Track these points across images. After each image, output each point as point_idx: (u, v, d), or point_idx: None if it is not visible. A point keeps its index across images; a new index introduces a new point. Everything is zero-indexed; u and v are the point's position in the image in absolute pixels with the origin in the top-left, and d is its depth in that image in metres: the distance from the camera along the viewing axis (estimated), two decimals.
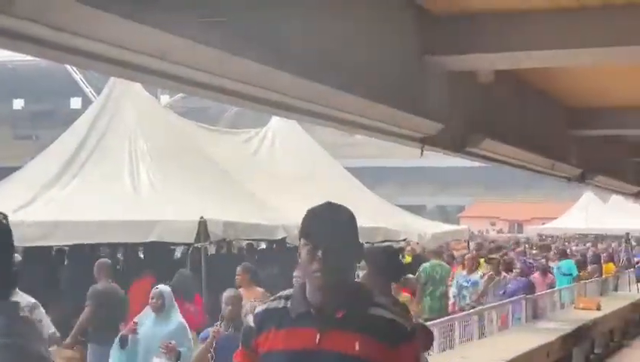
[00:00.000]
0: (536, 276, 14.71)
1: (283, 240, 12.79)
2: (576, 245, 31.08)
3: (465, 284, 13.39)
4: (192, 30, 3.61)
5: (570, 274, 17.04)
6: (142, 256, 14.76)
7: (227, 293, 7.63)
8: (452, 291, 13.94)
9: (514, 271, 14.09)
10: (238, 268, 9.86)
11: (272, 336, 3.03)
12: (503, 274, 13.66)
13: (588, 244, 30.76)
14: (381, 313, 3.00)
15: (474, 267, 13.74)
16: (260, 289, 9.61)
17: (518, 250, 24.29)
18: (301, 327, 2.98)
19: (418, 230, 17.20)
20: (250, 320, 3.31)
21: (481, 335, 10.67)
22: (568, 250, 22.61)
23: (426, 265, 14.79)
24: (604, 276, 19.05)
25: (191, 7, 3.59)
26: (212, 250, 16.16)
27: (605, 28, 5.94)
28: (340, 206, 3.22)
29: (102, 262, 9.96)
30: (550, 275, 15.76)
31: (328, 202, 3.23)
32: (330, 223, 3.08)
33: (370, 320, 2.96)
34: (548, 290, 14.62)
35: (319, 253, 2.95)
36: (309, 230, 3.08)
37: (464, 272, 13.76)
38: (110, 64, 3.73)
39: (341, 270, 3.01)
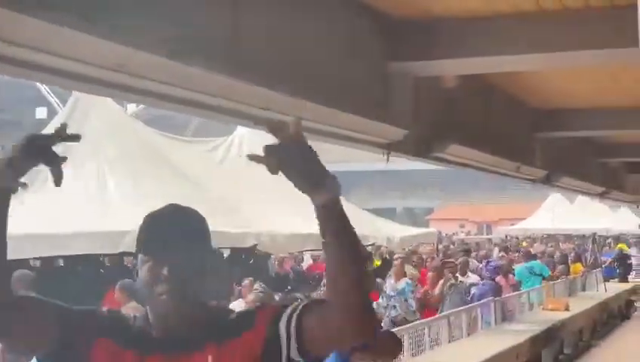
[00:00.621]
0: (499, 278, 14.76)
1: (253, 247, 12.74)
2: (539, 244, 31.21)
3: (392, 294, 12.63)
4: (149, 42, 3.59)
5: (541, 275, 17.16)
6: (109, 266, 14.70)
7: None
8: (381, 302, 12.86)
9: (469, 274, 13.98)
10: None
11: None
12: (460, 278, 13.47)
13: (549, 245, 30.87)
14: None
15: (400, 275, 12.98)
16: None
17: (482, 253, 24.45)
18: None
19: (386, 234, 17.20)
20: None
21: (451, 339, 10.70)
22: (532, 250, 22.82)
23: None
24: (572, 276, 19.21)
25: (147, 19, 3.56)
26: None
27: (566, 31, 5.99)
28: (185, 208, 2.62)
29: (21, 273, 9.62)
30: (511, 276, 15.83)
31: (171, 204, 2.62)
32: (175, 231, 2.47)
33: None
34: (516, 292, 14.71)
35: (164, 271, 2.38)
36: (148, 241, 2.47)
37: (392, 281, 12.96)
38: (67, 78, 3.70)
39: (194, 289, 2.41)
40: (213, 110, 4.79)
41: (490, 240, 40.65)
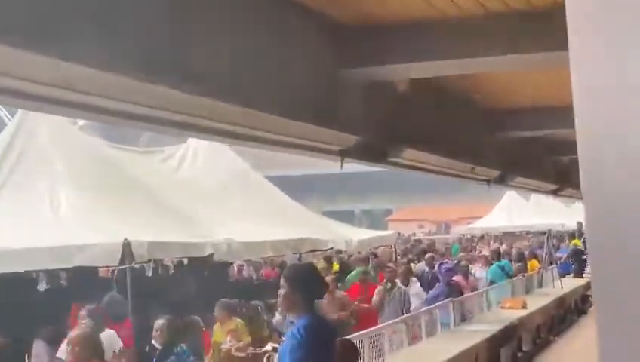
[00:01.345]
0: (459, 278, 14.81)
1: (210, 256, 12.65)
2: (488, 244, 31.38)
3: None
4: (96, 59, 3.55)
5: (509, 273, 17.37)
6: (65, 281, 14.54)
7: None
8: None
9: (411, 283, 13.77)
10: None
11: None
12: (399, 284, 13.17)
13: (497, 244, 31.00)
14: None
15: None
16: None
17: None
18: None
19: (345, 237, 17.22)
20: None
21: (410, 342, 10.73)
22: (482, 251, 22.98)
23: (353, 273, 14.88)
24: (528, 273, 19.38)
25: (93, 35, 3.52)
26: (149, 271, 15.94)
27: (510, 34, 6.02)
28: None
29: None
30: (472, 278, 15.91)
31: None
32: None
33: None
34: (473, 292, 14.80)
35: None
36: None
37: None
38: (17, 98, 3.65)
39: None
40: (165, 124, 4.75)
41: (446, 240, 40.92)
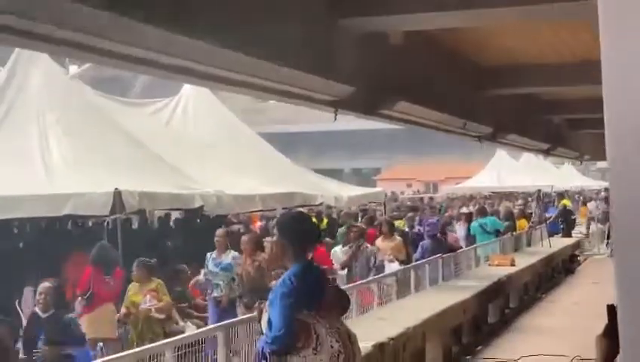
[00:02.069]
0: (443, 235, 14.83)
1: (200, 208, 12.67)
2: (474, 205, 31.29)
3: (214, 270, 10.97)
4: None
5: (497, 231, 17.37)
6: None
7: None
8: (200, 279, 11.50)
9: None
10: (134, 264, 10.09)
11: None
12: (365, 244, 12.61)
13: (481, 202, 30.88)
14: None
15: (224, 247, 11.08)
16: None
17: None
18: None
19: (334, 193, 17.27)
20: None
21: (399, 296, 10.80)
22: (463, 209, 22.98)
23: (342, 228, 14.92)
24: (517, 232, 19.48)
25: None
26: (135, 224, 16.01)
27: None
28: None
29: None
30: (453, 234, 15.86)
31: None
32: None
33: None
34: (463, 249, 14.87)
35: None
36: None
37: (214, 254, 11.13)
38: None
39: None
40: (161, 68, 4.73)
41: (432, 198, 41.02)
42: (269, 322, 4.83)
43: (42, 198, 10.74)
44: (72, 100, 13.24)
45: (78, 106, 13.27)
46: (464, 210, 16.86)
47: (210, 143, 15.57)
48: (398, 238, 13.50)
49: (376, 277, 10.94)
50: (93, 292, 9.95)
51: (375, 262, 12.30)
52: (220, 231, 11.40)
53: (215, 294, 10.93)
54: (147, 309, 9.58)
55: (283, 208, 14.80)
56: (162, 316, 9.71)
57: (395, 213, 21.09)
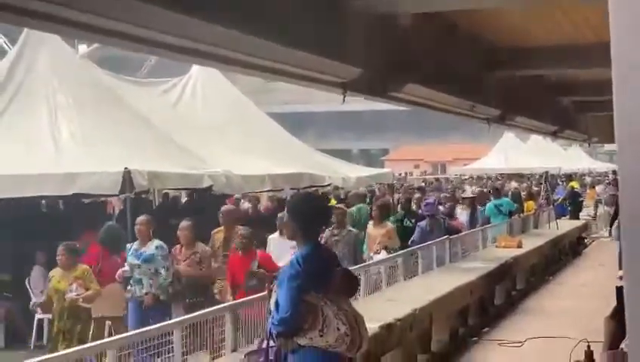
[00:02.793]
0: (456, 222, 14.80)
1: (209, 188, 12.70)
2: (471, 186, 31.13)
3: (135, 261, 9.63)
4: None
5: (510, 212, 17.34)
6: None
7: None
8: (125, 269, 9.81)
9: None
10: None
11: None
12: (349, 227, 11.69)
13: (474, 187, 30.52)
14: None
15: (146, 236, 9.73)
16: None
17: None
18: None
19: (342, 174, 17.29)
20: None
21: (407, 277, 10.83)
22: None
23: (352, 209, 14.93)
24: (524, 214, 19.48)
25: None
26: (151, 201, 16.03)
27: None
28: None
29: None
30: (459, 221, 15.78)
31: None
32: None
33: None
34: (470, 231, 14.89)
35: None
36: None
37: (135, 244, 9.80)
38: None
39: None
40: (171, 49, 4.74)
41: (438, 179, 40.97)
42: (277, 303, 4.86)
43: (51, 177, 10.77)
44: (82, 80, 13.25)
45: (88, 86, 13.28)
46: (468, 193, 16.62)
47: (219, 123, 15.58)
48: (390, 225, 12.50)
49: (382, 258, 10.96)
50: (101, 271, 9.98)
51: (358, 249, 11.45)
52: (141, 219, 9.87)
53: (137, 292, 9.56)
54: (74, 299, 8.76)
55: (291, 188, 14.84)
56: (88, 305, 8.93)
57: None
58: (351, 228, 11.68)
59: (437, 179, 38.34)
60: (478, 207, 17.46)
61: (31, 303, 10.96)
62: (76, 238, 11.65)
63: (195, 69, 16.90)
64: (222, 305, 7.80)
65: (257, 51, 5.27)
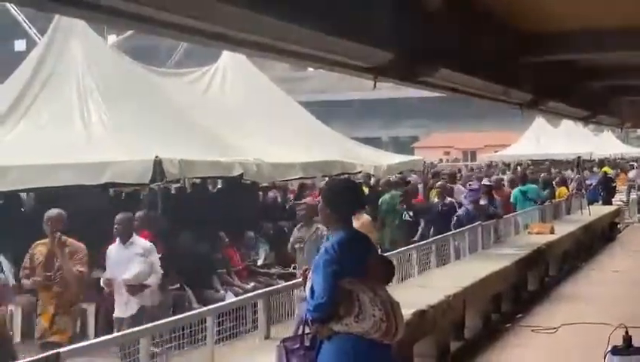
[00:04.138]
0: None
1: (240, 176, 12.69)
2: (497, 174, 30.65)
3: None
4: None
5: (537, 198, 17.18)
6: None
7: None
8: None
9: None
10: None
11: None
12: (316, 225, 10.81)
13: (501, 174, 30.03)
14: None
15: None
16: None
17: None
18: None
19: (373, 162, 17.25)
20: None
21: (439, 263, 10.79)
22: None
23: (386, 196, 14.90)
24: (557, 199, 19.33)
25: None
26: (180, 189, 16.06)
27: None
28: None
29: (58, 213, 8.95)
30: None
31: None
32: None
33: None
34: (506, 216, 14.79)
35: None
36: None
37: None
38: None
39: None
40: (202, 35, 4.71)
41: (466, 166, 40.69)
42: (312, 289, 4.84)
43: (82, 166, 10.81)
44: (112, 69, 13.29)
45: (117, 75, 13.32)
46: (485, 181, 16.34)
47: (249, 111, 15.57)
48: (366, 216, 11.81)
49: (415, 245, 10.92)
50: None
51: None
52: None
53: None
54: None
55: (323, 176, 14.82)
56: None
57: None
58: (319, 225, 10.70)
59: (470, 168, 38.02)
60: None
61: None
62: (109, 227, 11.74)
63: (224, 58, 16.89)
64: (255, 292, 7.81)
65: (286, 37, 5.23)
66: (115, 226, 9.26)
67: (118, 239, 9.27)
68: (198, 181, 17.35)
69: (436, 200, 14.92)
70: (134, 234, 9.35)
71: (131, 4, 3.88)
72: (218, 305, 7.29)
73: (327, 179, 13.87)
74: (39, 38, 21.43)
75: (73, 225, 11.57)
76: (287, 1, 4.80)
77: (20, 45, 63.86)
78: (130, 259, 9.11)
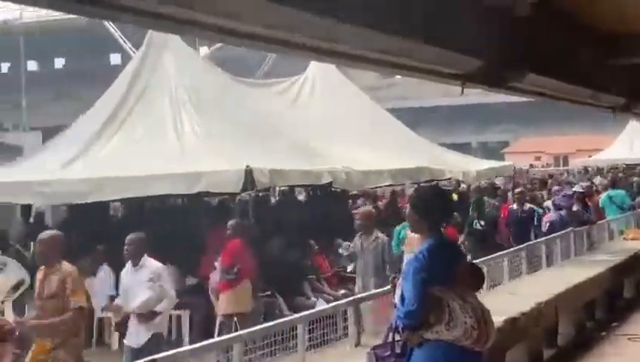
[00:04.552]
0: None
1: (329, 184, 12.78)
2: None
3: None
4: None
5: (623, 204, 16.82)
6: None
7: None
8: None
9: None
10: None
11: None
12: (376, 233, 10.48)
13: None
14: None
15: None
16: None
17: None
18: None
19: (462, 168, 17.13)
20: None
21: (530, 270, 10.67)
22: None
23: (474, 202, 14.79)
24: None
25: None
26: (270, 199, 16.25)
27: None
28: None
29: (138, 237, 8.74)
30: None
31: None
32: None
33: None
34: (599, 222, 14.52)
35: None
36: None
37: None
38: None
39: None
40: (289, 46, 4.79)
41: (567, 171, 39.98)
42: (402, 297, 4.87)
43: (176, 177, 11.03)
44: (203, 80, 13.58)
45: (209, 86, 13.60)
46: (577, 187, 15.90)
47: (338, 120, 15.66)
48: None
49: (505, 251, 10.81)
50: (239, 268, 10.21)
51: (387, 256, 10.33)
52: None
53: None
54: None
55: (412, 183, 14.80)
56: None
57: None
58: (380, 235, 10.50)
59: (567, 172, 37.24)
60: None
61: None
62: (204, 235, 11.98)
63: (312, 68, 17.05)
64: (345, 300, 7.86)
65: (373, 45, 5.28)
66: (126, 247, 8.59)
67: (129, 262, 8.62)
68: (286, 189, 17.52)
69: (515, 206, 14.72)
70: (145, 256, 8.55)
71: (220, 19, 3.99)
72: (309, 312, 7.37)
73: (416, 186, 13.86)
74: (134, 52, 21.95)
75: (165, 234, 11.93)
76: (375, 11, 4.86)
77: (115, 59, 65.44)
78: (140, 285, 8.48)
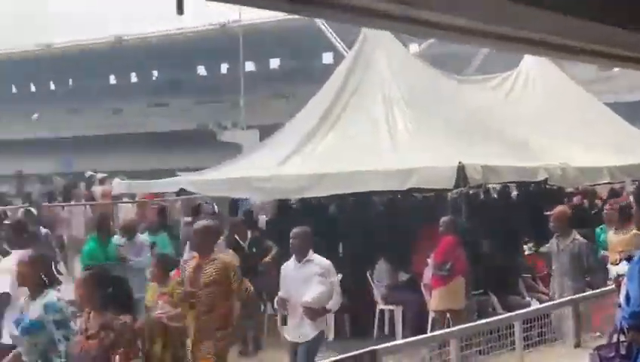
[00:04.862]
0: None
1: (544, 181, 12.46)
2: None
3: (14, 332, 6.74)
4: None
5: None
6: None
7: None
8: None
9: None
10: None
11: None
12: (574, 235, 10.22)
13: None
14: None
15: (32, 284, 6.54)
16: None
17: None
18: None
19: None
20: None
21: None
22: None
23: None
24: None
25: None
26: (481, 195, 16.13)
27: None
28: None
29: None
30: None
31: None
32: None
33: None
34: None
35: None
36: None
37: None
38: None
39: None
40: (509, 41, 4.72)
41: None
42: (627, 296, 4.70)
43: (390, 173, 11.13)
44: (415, 77, 13.64)
45: (421, 83, 13.65)
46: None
47: (553, 115, 15.23)
48: (633, 231, 10.17)
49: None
50: (452, 265, 10.21)
51: (584, 259, 9.93)
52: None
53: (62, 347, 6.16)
54: (158, 317, 7.77)
55: (633, 181, 14.17)
56: (178, 324, 7.70)
57: None
58: (577, 237, 10.22)
59: None
60: None
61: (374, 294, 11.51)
62: (413, 232, 12.04)
63: (526, 62, 16.69)
64: (563, 299, 7.68)
65: (596, 37, 5.11)
66: (291, 241, 8.44)
67: (293, 256, 8.46)
68: (497, 186, 17.25)
69: None
70: (311, 251, 8.40)
71: (447, 16, 4.00)
72: (525, 310, 7.26)
73: (637, 183, 13.25)
74: (346, 51, 22.37)
75: (377, 230, 12.09)
76: (599, 4, 4.70)
77: (327, 58, 66.83)
78: (308, 279, 8.23)
